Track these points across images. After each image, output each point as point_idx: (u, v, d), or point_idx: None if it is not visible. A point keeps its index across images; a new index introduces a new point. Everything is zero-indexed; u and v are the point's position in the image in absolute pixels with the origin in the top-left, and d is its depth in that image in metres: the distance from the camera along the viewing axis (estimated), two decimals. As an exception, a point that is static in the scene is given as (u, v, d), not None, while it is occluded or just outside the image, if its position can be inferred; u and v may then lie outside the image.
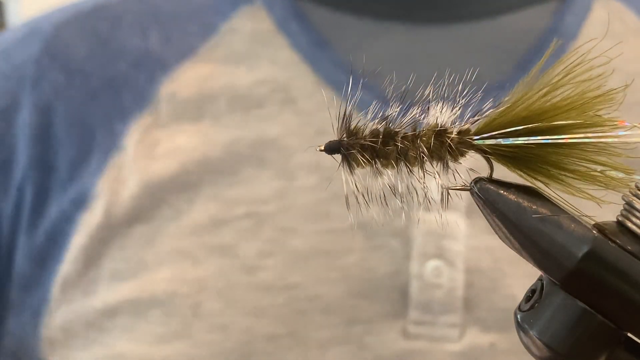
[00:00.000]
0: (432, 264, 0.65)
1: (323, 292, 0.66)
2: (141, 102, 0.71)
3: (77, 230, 0.70)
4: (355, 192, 0.41)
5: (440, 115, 0.40)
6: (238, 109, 0.70)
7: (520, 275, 0.65)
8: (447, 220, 0.65)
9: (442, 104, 0.40)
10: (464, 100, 0.40)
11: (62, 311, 0.71)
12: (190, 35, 0.73)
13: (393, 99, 0.41)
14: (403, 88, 0.41)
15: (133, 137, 0.70)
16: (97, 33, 0.74)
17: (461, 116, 0.40)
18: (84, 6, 0.76)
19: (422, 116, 0.40)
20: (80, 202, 0.70)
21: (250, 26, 0.73)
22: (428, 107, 0.40)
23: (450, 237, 0.66)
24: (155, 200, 0.69)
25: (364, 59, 0.67)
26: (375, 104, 0.41)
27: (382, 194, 0.41)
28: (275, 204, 0.67)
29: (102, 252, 0.69)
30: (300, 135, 0.69)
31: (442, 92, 0.40)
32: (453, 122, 0.40)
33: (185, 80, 0.71)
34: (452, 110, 0.40)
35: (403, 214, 0.66)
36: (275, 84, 0.71)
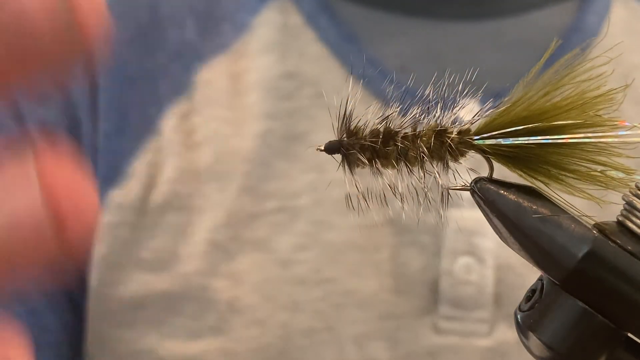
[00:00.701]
0: (463, 260, 0.66)
1: (357, 287, 0.66)
2: (178, 90, 0.72)
3: (105, 207, 0.70)
4: (356, 192, 0.41)
5: (441, 115, 0.40)
6: (270, 102, 0.71)
7: None
8: (477, 217, 0.66)
9: (453, 104, 0.40)
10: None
11: (93, 301, 0.70)
12: (223, 35, 0.74)
13: (393, 99, 0.41)
14: (403, 88, 0.41)
15: (169, 122, 0.71)
16: (137, 21, 0.74)
17: (461, 116, 0.40)
18: None
19: (427, 115, 0.40)
20: (110, 179, 0.71)
21: (279, 19, 0.73)
22: (428, 107, 0.40)
23: (480, 234, 0.67)
24: (190, 190, 0.69)
25: (391, 55, 0.68)
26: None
27: (382, 193, 0.41)
28: (308, 198, 0.68)
29: (132, 238, 0.69)
30: (329, 129, 0.69)
31: (443, 92, 0.40)
32: (453, 122, 0.40)
33: (220, 71, 0.72)
34: (452, 110, 0.40)
35: (433, 211, 0.67)
36: (304, 78, 0.71)
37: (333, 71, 0.71)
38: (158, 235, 0.69)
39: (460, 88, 0.40)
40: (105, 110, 0.72)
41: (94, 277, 0.70)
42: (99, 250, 0.70)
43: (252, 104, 0.71)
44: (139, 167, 0.70)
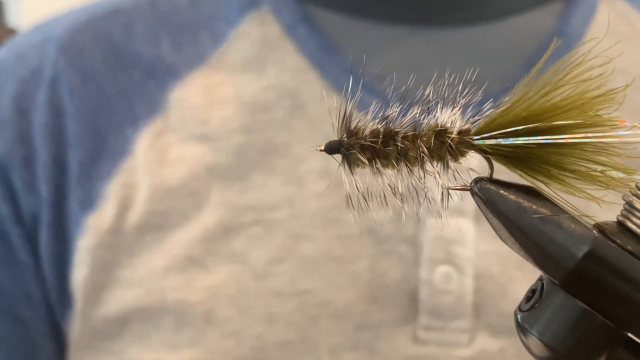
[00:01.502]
0: (442, 269, 0.66)
1: (334, 298, 0.66)
2: (152, 108, 0.71)
3: (83, 232, 0.70)
4: (356, 192, 0.41)
5: (441, 115, 0.40)
6: (246, 115, 0.70)
7: (529, 280, 0.65)
8: (456, 226, 0.66)
9: (443, 104, 0.40)
10: (464, 100, 0.40)
11: (75, 321, 0.71)
12: (200, 44, 0.73)
13: (394, 99, 0.41)
14: (403, 88, 0.41)
15: (144, 141, 0.70)
16: (111, 40, 0.74)
17: (461, 116, 0.40)
18: (97, 10, 0.76)
19: (423, 116, 0.40)
20: (88, 204, 0.70)
21: (258, 31, 0.73)
22: (429, 108, 0.40)
23: (459, 242, 0.66)
24: (165, 207, 0.69)
25: (372, 64, 0.67)
26: (377, 104, 0.41)
27: (382, 194, 0.41)
28: (285, 211, 0.68)
29: (112, 258, 0.69)
30: (309, 141, 0.69)
31: (443, 93, 0.40)
32: (453, 122, 0.40)
33: (195, 87, 0.71)
34: (452, 110, 0.40)
35: (412, 219, 0.66)
36: (283, 90, 0.70)
37: (312, 82, 0.70)
38: (136, 254, 0.69)
39: (460, 88, 0.40)
40: (77, 138, 0.71)
41: (78, 299, 0.70)
42: (81, 273, 0.70)
43: (228, 117, 0.70)
44: (113, 190, 0.70)
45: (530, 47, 0.71)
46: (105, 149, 0.71)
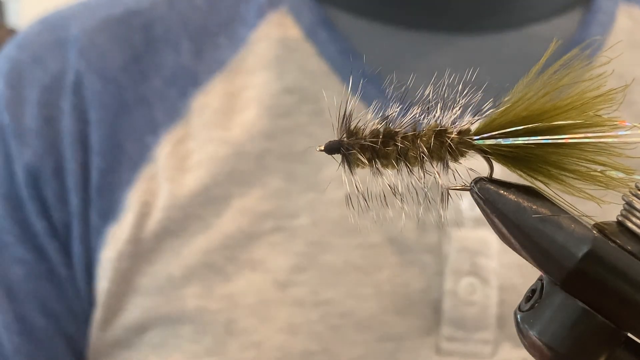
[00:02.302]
0: (466, 281, 0.65)
1: (356, 308, 0.65)
2: (173, 116, 0.70)
3: (105, 244, 0.69)
4: (356, 192, 0.41)
5: (441, 115, 0.40)
6: (267, 120, 0.69)
7: None
8: (480, 237, 0.65)
9: (443, 105, 0.40)
10: (464, 100, 0.40)
11: (94, 331, 0.70)
12: (220, 49, 0.72)
13: (394, 99, 0.41)
14: (403, 88, 0.41)
15: (164, 148, 0.69)
16: (131, 44, 0.72)
17: (461, 116, 0.40)
18: (113, 11, 0.74)
19: (423, 116, 0.40)
20: (109, 215, 0.69)
21: (278, 33, 0.72)
22: (428, 108, 0.40)
23: (483, 254, 0.65)
24: (185, 213, 0.68)
25: (391, 70, 0.66)
26: (378, 104, 0.41)
27: (382, 194, 0.41)
28: (306, 218, 0.67)
29: (132, 267, 0.68)
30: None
31: (443, 93, 0.40)
32: (453, 122, 0.40)
33: (216, 93, 0.70)
34: (452, 110, 0.40)
35: (435, 228, 0.65)
36: (304, 94, 0.70)
37: (333, 87, 0.69)
38: (156, 261, 0.68)
39: (460, 88, 0.40)
40: (99, 146, 0.70)
41: (99, 311, 0.69)
42: (102, 286, 0.69)
43: (249, 122, 0.69)
44: (133, 198, 0.69)
45: (551, 55, 0.70)
46: (124, 156, 0.70)
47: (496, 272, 0.65)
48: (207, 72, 0.71)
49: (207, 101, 0.70)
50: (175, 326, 0.67)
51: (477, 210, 0.64)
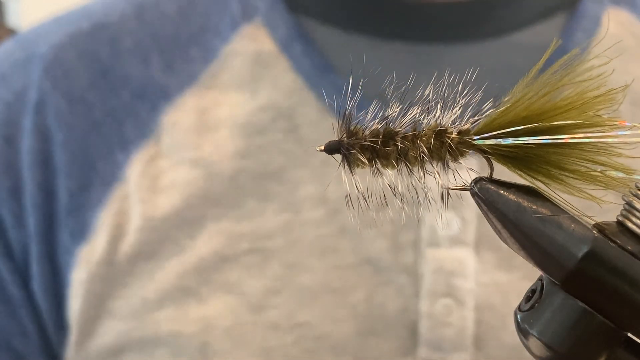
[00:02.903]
0: (442, 302, 0.64)
1: (332, 331, 0.65)
2: (144, 132, 0.69)
3: (76, 264, 0.68)
4: (356, 193, 0.41)
5: (441, 115, 0.40)
6: (241, 139, 0.68)
7: None
8: (456, 257, 0.65)
9: (443, 105, 0.40)
10: (464, 100, 0.40)
11: (70, 352, 0.69)
12: (191, 61, 0.70)
13: (393, 99, 0.41)
14: (403, 88, 0.41)
15: (135, 168, 0.68)
16: (98, 59, 0.71)
17: (461, 116, 0.40)
18: (81, 26, 0.72)
19: (423, 116, 0.40)
20: (79, 235, 0.68)
21: (251, 48, 0.70)
22: (428, 108, 0.40)
23: (459, 274, 0.65)
24: (158, 236, 0.67)
25: (368, 82, 0.65)
26: (377, 105, 0.41)
27: (382, 194, 0.41)
28: (282, 239, 0.66)
29: (105, 290, 0.67)
30: (305, 166, 0.67)
31: (443, 93, 0.40)
32: (453, 122, 0.40)
33: (187, 109, 0.69)
34: (452, 110, 0.40)
35: (410, 248, 0.64)
36: (278, 111, 0.68)
37: (308, 103, 0.67)
38: (129, 284, 0.67)
39: (459, 88, 0.40)
40: (67, 167, 0.69)
41: (73, 333, 0.68)
42: (75, 306, 0.68)
43: (221, 141, 0.68)
44: (105, 219, 0.68)
45: (532, 64, 0.69)
46: (95, 176, 0.69)
47: (473, 292, 0.65)
48: (178, 86, 0.69)
49: (177, 118, 0.68)
50: (150, 350, 0.66)
51: (453, 230, 0.65)
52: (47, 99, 0.70)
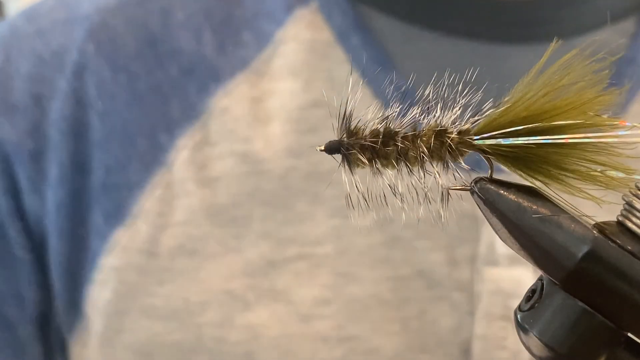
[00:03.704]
0: (498, 325, 0.62)
1: (382, 345, 0.62)
2: (191, 115, 0.65)
3: (109, 249, 0.65)
4: (356, 192, 0.41)
5: (441, 115, 0.40)
6: (293, 135, 0.64)
7: None
8: (514, 277, 0.62)
9: (443, 105, 0.40)
10: (464, 100, 0.40)
11: (93, 345, 0.66)
12: (244, 45, 0.66)
13: (393, 99, 0.41)
14: (403, 88, 0.41)
15: (181, 154, 0.65)
16: (147, 28, 0.67)
17: (461, 116, 0.40)
18: None
19: (423, 116, 0.40)
20: (115, 217, 0.65)
21: (306, 35, 0.66)
22: (429, 108, 0.40)
23: (517, 295, 0.61)
24: (203, 232, 0.64)
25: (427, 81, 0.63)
26: (377, 105, 0.41)
27: (382, 194, 0.41)
28: (331, 246, 0.63)
29: (140, 283, 0.64)
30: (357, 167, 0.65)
31: (443, 93, 0.40)
32: (453, 122, 0.40)
33: (239, 95, 0.65)
34: (452, 110, 0.40)
35: (467, 264, 0.61)
36: (331, 108, 0.65)
37: (363, 99, 0.65)
38: (168, 281, 0.64)
39: (460, 88, 0.40)
40: (105, 140, 0.65)
41: (98, 323, 0.65)
42: (103, 295, 0.65)
43: (273, 136, 0.64)
44: (147, 205, 0.64)
45: (602, 68, 0.66)
46: (135, 154, 0.65)
47: None
48: (229, 69, 0.66)
49: (228, 104, 0.65)
50: (188, 356, 0.63)
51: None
52: (89, 63, 0.66)
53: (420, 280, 0.63)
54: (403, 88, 0.41)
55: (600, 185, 0.38)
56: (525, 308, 0.38)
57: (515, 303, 0.61)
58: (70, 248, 0.66)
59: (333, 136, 0.65)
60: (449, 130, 0.40)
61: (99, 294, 0.65)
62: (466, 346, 0.62)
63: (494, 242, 0.62)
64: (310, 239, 0.63)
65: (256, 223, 0.64)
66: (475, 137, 0.39)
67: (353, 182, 0.41)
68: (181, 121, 0.65)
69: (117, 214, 0.65)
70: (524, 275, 0.62)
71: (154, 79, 0.66)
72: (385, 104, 0.63)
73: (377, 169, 0.40)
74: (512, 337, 0.61)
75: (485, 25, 0.66)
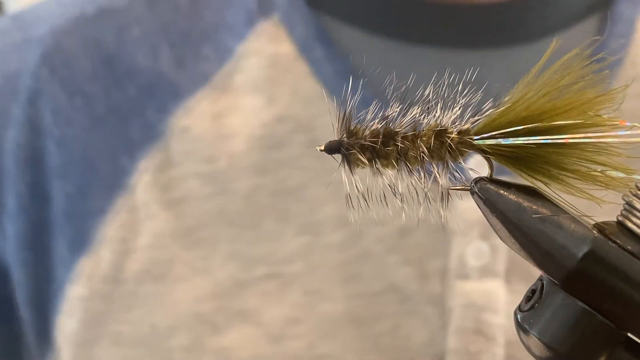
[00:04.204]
0: (471, 338, 0.61)
1: None
2: (151, 136, 0.64)
3: (75, 278, 0.64)
4: (356, 192, 0.41)
5: (441, 115, 0.40)
6: (257, 152, 0.63)
7: None
8: (486, 290, 0.62)
9: (443, 105, 0.40)
10: (464, 100, 0.40)
11: None
12: (204, 59, 0.65)
13: (394, 99, 0.41)
14: (403, 88, 0.41)
15: (144, 176, 0.63)
16: (103, 47, 0.65)
17: (461, 116, 0.40)
18: (85, 9, 0.67)
19: (423, 116, 0.40)
20: (79, 246, 0.64)
21: (268, 49, 0.65)
22: (429, 108, 0.40)
23: (489, 309, 0.61)
24: (169, 255, 0.63)
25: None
26: (377, 104, 0.41)
27: (382, 194, 0.41)
28: (301, 264, 0.62)
29: (107, 311, 0.63)
30: (325, 184, 0.62)
31: (443, 93, 0.40)
32: (453, 122, 0.40)
33: (200, 112, 0.64)
34: (452, 110, 0.40)
35: (438, 277, 0.61)
36: (297, 122, 0.63)
37: (329, 114, 0.63)
38: (135, 307, 0.62)
39: (460, 88, 0.40)
40: (64, 168, 0.63)
41: (68, 353, 0.64)
42: (71, 325, 0.64)
43: (237, 154, 0.63)
44: (110, 231, 0.63)
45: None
46: (96, 179, 0.64)
47: (503, 327, 0.61)
48: (189, 85, 0.64)
49: (189, 123, 0.64)
50: None
51: (483, 260, 0.61)
52: (43, 89, 0.65)
53: (391, 296, 0.62)
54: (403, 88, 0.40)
55: (600, 185, 0.38)
56: (525, 308, 0.38)
57: (488, 316, 0.62)
58: (36, 279, 0.65)
59: (299, 151, 0.63)
60: (449, 130, 0.40)
61: (67, 324, 0.64)
62: None
63: (464, 255, 0.62)
64: (279, 258, 0.62)
65: (223, 244, 0.63)
66: (475, 137, 0.39)
67: (353, 182, 0.41)
68: (142, 143, 0.64)
69: (81, 242, 0.64)
70: (495, 288, 0.62)
71: (112, 101, 0.65)
72: (353, 116, 0.63)
73: (377, 169, 0.40)
74: (485, 351, 0.61)
75: (448, 31, 0.65)
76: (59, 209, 0.64)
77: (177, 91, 0.64)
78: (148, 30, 0.66)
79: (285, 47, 0.65)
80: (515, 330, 0.61)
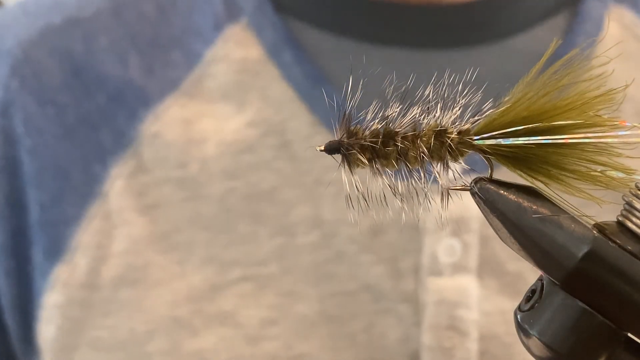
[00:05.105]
0: (445, 334, 0.62)
1: None
2: (122, 142, 0.65)
3: (51, 286, 0.64)
4: (356, 192, 0.41)
5: (441, 115, 0.40)
6: (229, 157, 0.64)
7: None
8: (458, 286, 0.62)
9: (443, 105, 0.40)
10: (464, 100, 0.40)
11: None
12: (172, 66, 0.66)
13: (393, 99, 0.41)
14: (403, 88, 0.41)
15: (117, 183, 0.64)
16: (71, 57, 0.66)
17: (461, 116, 0.40)
18: (52, 20, 0.67)
19: (423, 116, 0.40)
20: (54, 253, 0.64)
21: (237, 54, 0.65)
22: (428, 108, 0.40)
23: (462, 305, 0.62)
24: (144, 260, 0.63)
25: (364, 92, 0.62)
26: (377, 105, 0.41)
27: (382, 194, 0.41)
28: (276, 265, 0.63)
29: (84, 317, 0.64)
30: (297, 186, 0.64)
31: (443, 93, 0.40)
32: (453, 122, 0.40)
33: (170, 118, 0.65)
34: (452, 111, 0.40)
35: (410, 275, 0.62)
36: (267, 126, 0.64)
37: (299, 116, 0.63)
38: (113, 312, 0.63)
39: (460, 88, 0.40)
40: (37, 176, 0.64)
41: (48, 359, 0.65)
42: (49, 332, 0.64)
43: (208, 159, 0.64)
44: (85, 238, 0.64)
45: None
46: (69, 187, 0.64)
47: (476, 323, 0.62)
48: (158, 91, 0.65)
49: (159, 129, 0.64)
50: None
51: (455, 257, 0.62)
52: (14, 100, 0.65)
53: (365, 294, 0.63)
54: (401, 92, 0.40)
55: (600, 185, 0.38)
56: (525, 308, 0.38)
57: (461, 312, 0.62)
58: (18, 287, 0.65)
59: (271, 154, 0.63)
60: (449, 131, 0.40)
61: (46, 331, 0.65)
62: (415, 358, 0.62)
63: (436, 252, 0.63)
64: (254, 260, 0.63)
65: (199, 247, 0.63)
66: (475, 137, 0.39)
67: (353, 182, 0.41)
68: (113, 150, 0.65)
69: (56, 250, 0.64)
70: (468, 284, 0.63)
71: (82, 109, 0.65)
72: (322, 119, 0.63)
73: (377, 169, 0.40)
74: (459, 346, 0.62)
75: (415, 32, 0.66)
76: (34, 218, 0.65)
77: (147, 97, 0.65)
78: (115, 39, 0.66)
79: (254, 52, 0.66)
80: (488, 325, 0.63)
